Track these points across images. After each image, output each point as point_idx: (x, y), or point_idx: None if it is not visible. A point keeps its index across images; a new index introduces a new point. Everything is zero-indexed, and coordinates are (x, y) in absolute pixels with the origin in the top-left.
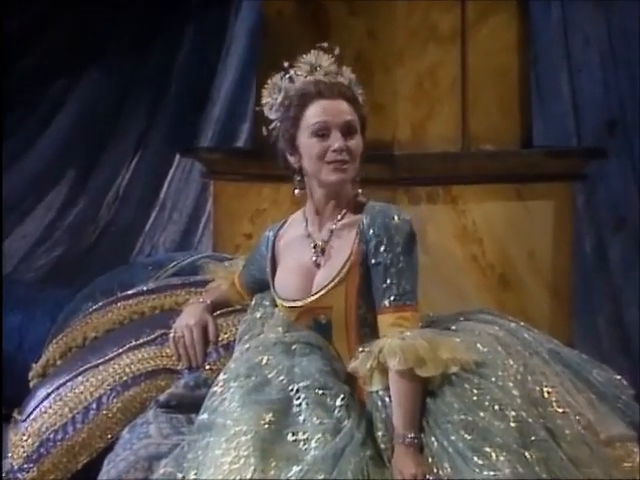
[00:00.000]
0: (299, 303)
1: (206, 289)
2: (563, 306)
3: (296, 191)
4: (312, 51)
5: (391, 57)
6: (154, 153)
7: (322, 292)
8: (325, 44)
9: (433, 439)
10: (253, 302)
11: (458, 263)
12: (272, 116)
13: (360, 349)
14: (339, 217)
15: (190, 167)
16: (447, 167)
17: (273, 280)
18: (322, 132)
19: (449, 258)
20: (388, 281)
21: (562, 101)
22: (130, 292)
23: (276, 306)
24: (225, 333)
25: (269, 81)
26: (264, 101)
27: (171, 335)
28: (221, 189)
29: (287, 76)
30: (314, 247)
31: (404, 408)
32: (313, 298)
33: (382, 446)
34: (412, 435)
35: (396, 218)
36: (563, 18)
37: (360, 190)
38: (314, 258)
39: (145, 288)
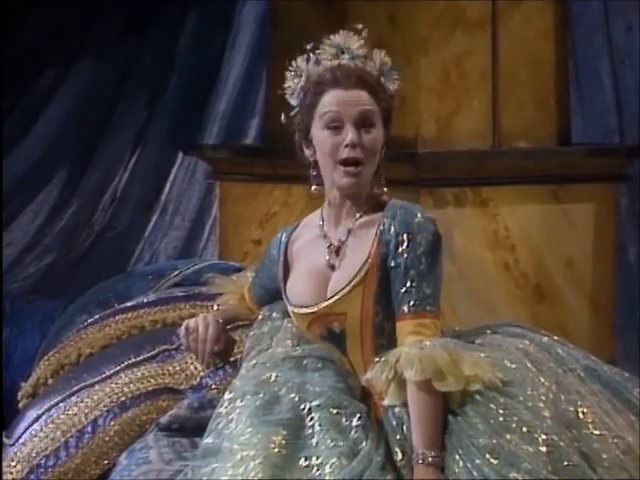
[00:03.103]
0: (312, 309)
1: (215, 308)
2: (604, 320)
3: (312, 187)
4: (341, 32)
5: (414, 45)
6: (154, 151)
7: (337, 297)
8: (359, 25)
9: (457, 457)
10: (260, 315)
11: (488, 272)
12: (293, 102)
13: (376, 359)
14: (358, 215)
15: (194, 167)
16: (476, 166)
17: (285, 286)
18: (334, 124)
19: (478, 267)
20: (408, 284)
21: (603, 94)
22: (129, 304)
23: (286, 317)
24: None
25: (293, 63)
26: (286, 85)
27: (184, 325)
28: (227, 191)
29: (311, 59)
30: (328, 247)
31: (424, 424)
32: (327, 303)
33: (402, 471)
34: (433, 454)
35: (419, 216)
36: (604, 2)
37: (385, 189)
38: (327, 257)
39: (145, 300)
